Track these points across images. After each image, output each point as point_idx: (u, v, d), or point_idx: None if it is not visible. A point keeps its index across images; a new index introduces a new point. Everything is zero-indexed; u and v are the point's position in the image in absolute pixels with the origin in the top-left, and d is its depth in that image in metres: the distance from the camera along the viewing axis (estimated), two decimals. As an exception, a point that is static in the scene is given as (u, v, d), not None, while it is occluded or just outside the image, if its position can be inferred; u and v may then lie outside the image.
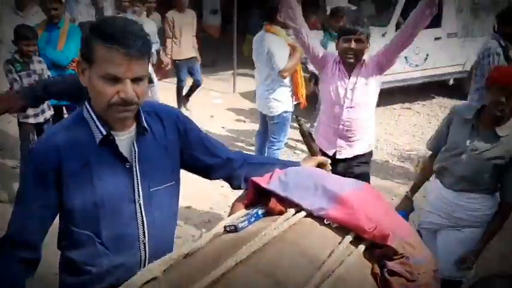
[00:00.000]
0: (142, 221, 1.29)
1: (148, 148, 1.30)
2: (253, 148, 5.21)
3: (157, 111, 1.35)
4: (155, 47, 5.42)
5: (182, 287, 0.98)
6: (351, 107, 2.71)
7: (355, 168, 2.84)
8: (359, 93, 2.69)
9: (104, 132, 1.22)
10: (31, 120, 3.57)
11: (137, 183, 1.28)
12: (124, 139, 1.27)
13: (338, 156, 2.82)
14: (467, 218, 2.29)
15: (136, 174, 1.28)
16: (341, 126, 2.75)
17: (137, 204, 1.28)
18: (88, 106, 1.24)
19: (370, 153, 2.98)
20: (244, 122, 6.13)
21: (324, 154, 2.67)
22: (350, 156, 2.82)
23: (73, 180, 1.21)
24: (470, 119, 2.26)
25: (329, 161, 1.55)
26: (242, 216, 1.27)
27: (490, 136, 2.21)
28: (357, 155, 2.84)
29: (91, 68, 1.16)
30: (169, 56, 5.86)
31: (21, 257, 1.23)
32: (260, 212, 1.28)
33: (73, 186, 1.21)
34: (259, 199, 1.34)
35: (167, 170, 1.36)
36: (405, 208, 2.50)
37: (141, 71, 1.16)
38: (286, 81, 3.79)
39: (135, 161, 1.27)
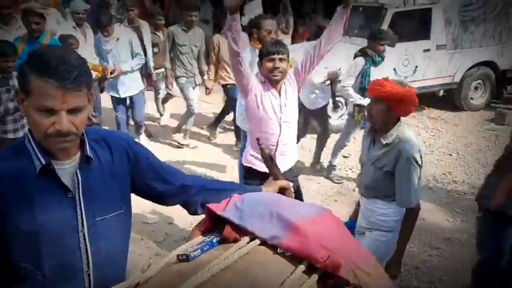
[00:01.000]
0: (86, 251, 1.27)
1: (93, 177, 1.28)
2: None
3: (105, 139, 1.34)
4: (138, 60, 5.18)
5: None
6: (285, 122, 2.91)
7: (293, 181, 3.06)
8: (289, 109, 2.91)
9: (44, 162, 1.20)
10: (10, 135, 3.54)
11: (81, 213, 1.26)
12: (67, 168, 1.25)
13: None
14: (378, 222, 2.51)
15: (80, 203, 1.26)
16: (279, 143, 2.94)
17: (81, 234, 1.26)
18: (29, 135, 1.23)
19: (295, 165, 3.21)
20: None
21: (263, 173, 2.84)
22: (285, 170, 2.97)
23: (13, 212, 1.19)
24: (368, 132, 2.54)
25: (291, 184, 1.54)
26: (197, 244, 1.25)
27: (379, 146, 2.42)
28: (291, 168, 3.08)
29: (27, 99, 1.15)
30: (212, 80, 5.56)
31: None
32: (215, 239, 1.26)
33: (13, 218, 1.19)
34: (217, 226, 1.33)
35: (115, 198, 1.34)
36: (356, 218, 2.72)
37: (78, 102, 1.15)
38: None
39: (78, 190, 1.25)
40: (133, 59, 5.14)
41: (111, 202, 1.33)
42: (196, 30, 5.45)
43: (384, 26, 6.31)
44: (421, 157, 2.34)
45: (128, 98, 5.37)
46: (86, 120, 1.21)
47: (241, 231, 1.25)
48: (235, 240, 1.24)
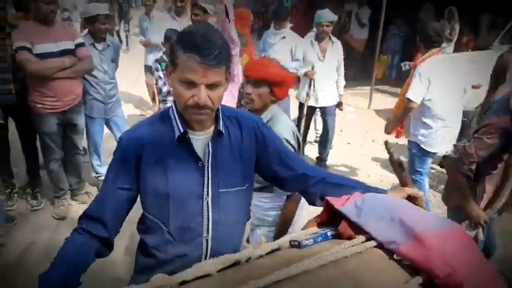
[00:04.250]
0: (208, 218, 1.36)
1: (222, 151, 1.36)
2: (378, 169, 4.99)
3: (238, 118, 1.42)
4: (296, 64, 4.55)
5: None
6: None
7: None
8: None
9: (182, 130, 1.32)
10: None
11: (207, 182, 1.35)
12: (201, 139, 1.35)
13: None
14: (263, 217, 2.33)
15: (208, 173, 1.34)
16: None
17: (205, 202, 1.35)
18: (173, 106, 1.36)
19: None
20: (373, 140, 5.91)
21: None
22: None
23: (150, 170, 1.33)
24: None
25: (421, 193, 1.42)
26: (311, 234, 1.25)
27: None
28: None
29: (174, 72, 1.26)
30: None
31: (93, 234, 1.33)
32: (329, 233, 1.24)
33: (149, 176, 1.33)
34: (334, 220, 1.30)
35: (239, 174, 1.40)
36: None
37: (216, 78, 1.23)
38: None
39: (208, 160, 1.34)
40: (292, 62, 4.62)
41: (235, 177, 1.40)
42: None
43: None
44: (296, 139, 2.18)
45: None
46: (222, 97, 1.30)
47: (358, 229, 1.21)
48: (350, 238, 1.20)
